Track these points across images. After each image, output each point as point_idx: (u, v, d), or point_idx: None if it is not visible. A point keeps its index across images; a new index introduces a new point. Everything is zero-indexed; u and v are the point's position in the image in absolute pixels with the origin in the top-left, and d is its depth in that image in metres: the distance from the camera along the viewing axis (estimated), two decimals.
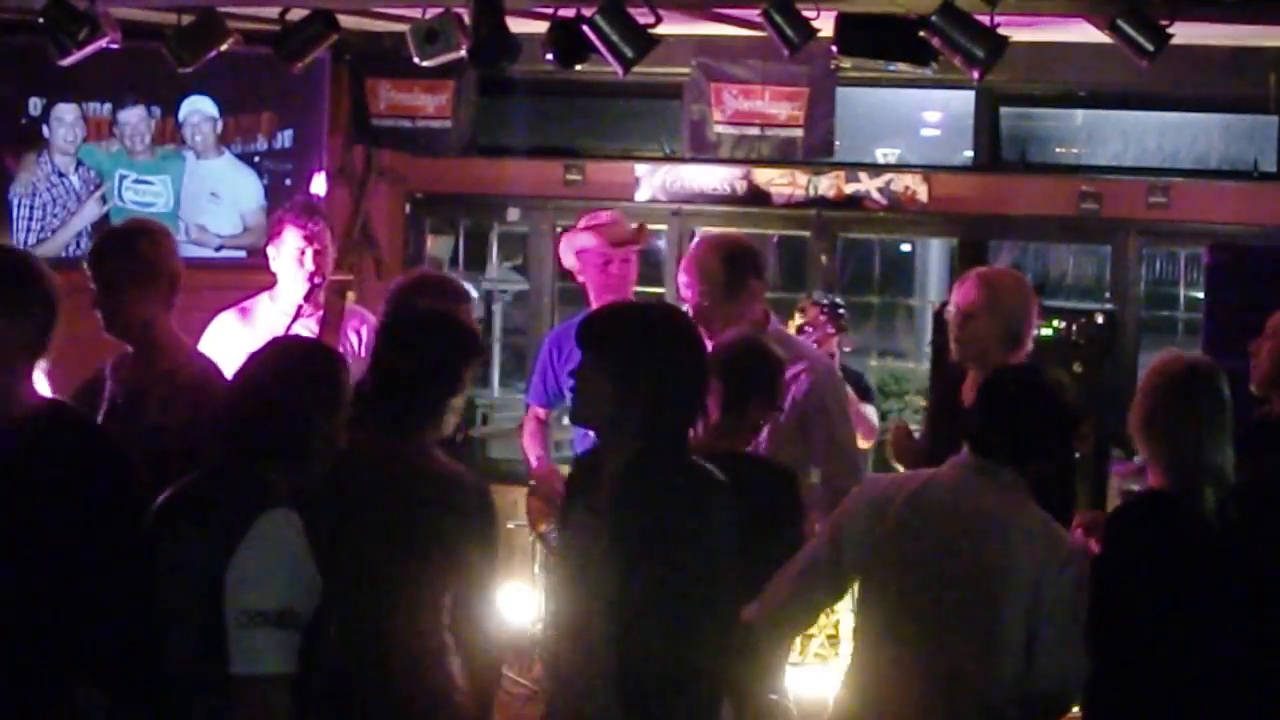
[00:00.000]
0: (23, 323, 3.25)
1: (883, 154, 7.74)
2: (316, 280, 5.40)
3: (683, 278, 4.90)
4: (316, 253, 5.42)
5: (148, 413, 4.12)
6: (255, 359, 3.34)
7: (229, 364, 5.33)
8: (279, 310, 5.40)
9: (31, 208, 6.92)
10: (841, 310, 6.62)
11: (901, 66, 5.38)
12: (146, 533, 3.19)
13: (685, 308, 4.73)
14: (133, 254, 4.25)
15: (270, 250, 5.49)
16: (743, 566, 3.22)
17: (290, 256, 5.43)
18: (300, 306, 5.33)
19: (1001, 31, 5.01)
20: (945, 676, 3.53)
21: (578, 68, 5.43)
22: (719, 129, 7.11)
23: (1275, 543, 3.72)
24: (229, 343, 5.43)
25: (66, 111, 6.93)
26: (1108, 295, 7.34)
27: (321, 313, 5.36)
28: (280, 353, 3.39)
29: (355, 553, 3.28)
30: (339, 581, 3.10)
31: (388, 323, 4.10)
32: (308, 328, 5.43)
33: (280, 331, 5.25)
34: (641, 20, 5.16)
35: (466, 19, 5.28)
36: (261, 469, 3.12)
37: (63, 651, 3.14)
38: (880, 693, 3.61)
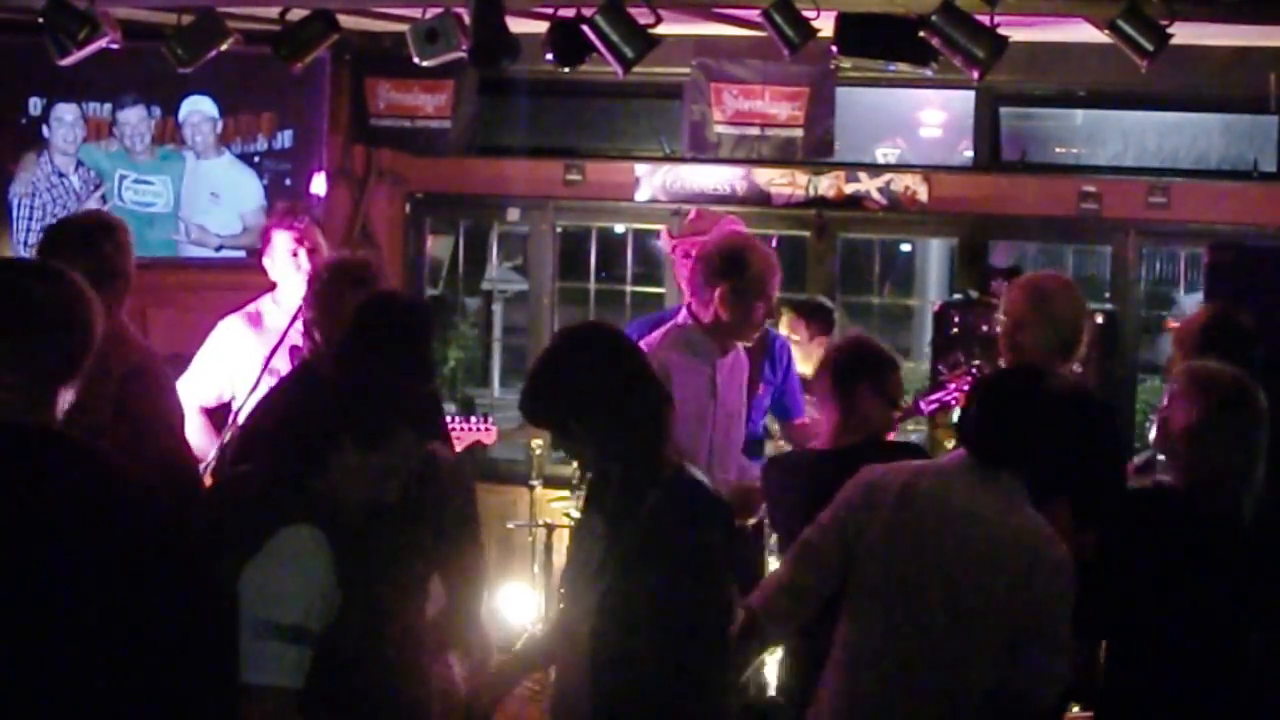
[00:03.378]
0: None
1: (883, 154, 7.74)
2: None
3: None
4: (310, 251, 5.43)
5: (81, 408, 4.09)
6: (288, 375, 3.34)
7: (238, 368, 5.37)
8: (283, 312, 5.40)
9: (31, 208, 6.92)
10: (826, 311, 6.63)
11: (901, 66, 5.39)
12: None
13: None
14: (94, 253, 4.21)
15: (266, 261, 5.51)
16: None
17: (285, 260, 5.44)
18: (300, 308, 5.33)
19: (1001, 31, 5.02)
20: (926, 668, 3.54)
21: (578, 68, 5.43)
22: (719, 129, 7.11)
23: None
24: (237, 347, 5.44)
25: (66, 111, 6.94)
26: (1108, 295, 7.34)
27: None
28: (309, 372, 3.38)
29: (370, 556, 3.26)
30: (357, 588, 3.09)
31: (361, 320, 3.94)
32: None
33: (281, 334, 5.27)
34: (641, 20, 5.17)
35: (466, 19, 5.28)
36: (276, 486, 3.10)
37: None
38: (864, 683, 3.61)
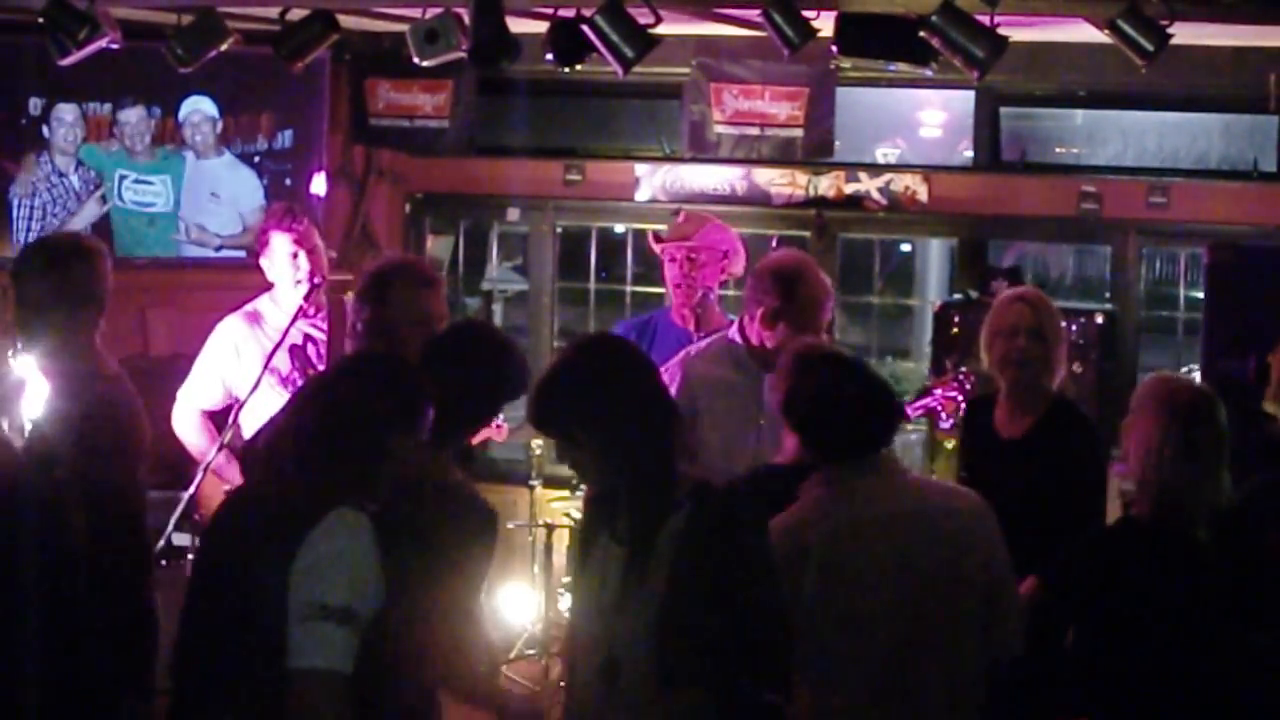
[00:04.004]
0: None
1: (883, 154, 7.74)
2: (316, 280, 5.41)
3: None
4: (309, 252, 5.43)
5: (44, 435, 4.06)
6: (331, 375, 3.27)
7: (239, 369, 5.37)
8: (283, 312, 5.40)
9: (31, 208, 6.92)
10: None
11: (901, 66, 5.39)
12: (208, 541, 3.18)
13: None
14: (64, 276, 4.18)
15: (264, 262, 5.51)
16: None
17: (284, 263, 5.44)
18: (301, 308, 5.34)
19: (1001, 31, 5.01)
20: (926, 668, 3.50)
21: (578, 68, 5.43)
22: (719, 129, 7.11)
23: (1259, 565, 3.70)
24: (237, 348, 5.44)
25: (66, 111, 6.93)
26: (1108, 295, 7.34)
27: (325, 313, 5.38)
28: (359, 368, 3.30)
29: (401, 559, 3.23)
30: (395, 585, 3.05)
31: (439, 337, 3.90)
32: (313, 328, 5.44)
33: (282, 333, 5.27)
34: (641, 20, 5.16)
35: (466, 19, 5.28)
36: (327, 492, 3.03)
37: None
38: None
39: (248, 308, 5.56)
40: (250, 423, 5.16)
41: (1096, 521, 4.27)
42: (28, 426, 4.26)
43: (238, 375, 5.38)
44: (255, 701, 2.94)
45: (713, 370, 4.71)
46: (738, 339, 4.90)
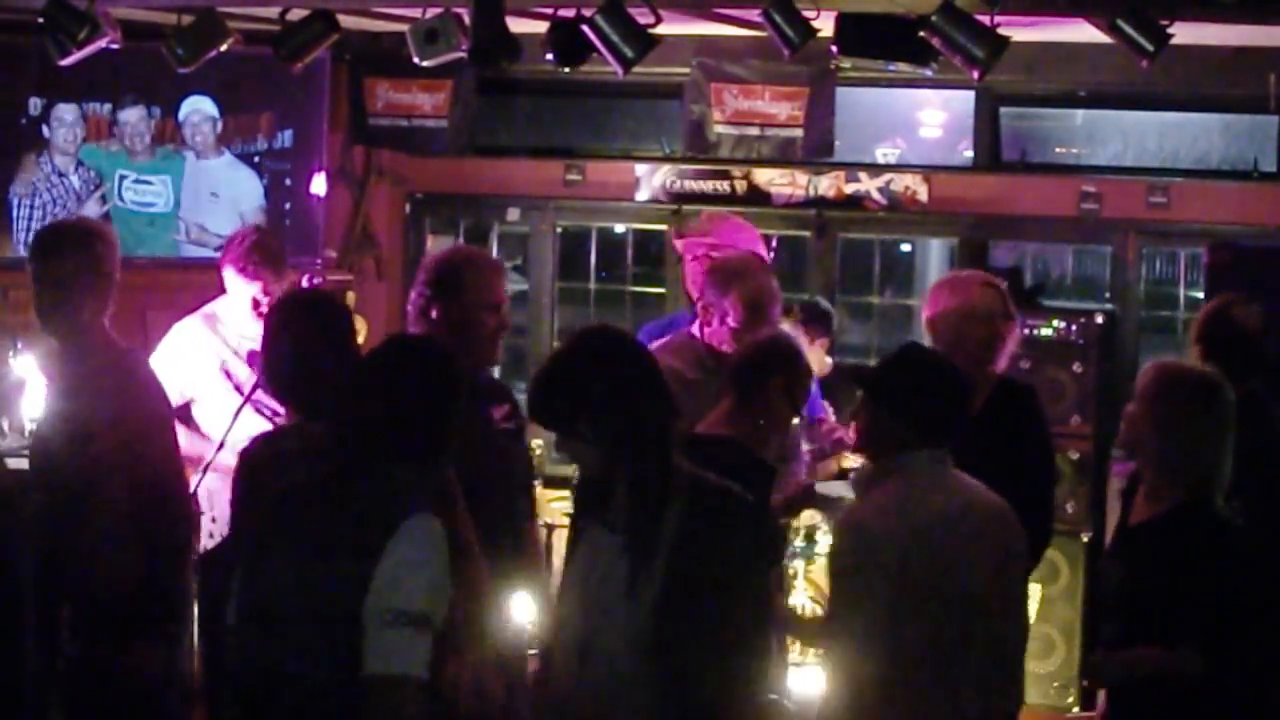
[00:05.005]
0: None
1: (883, 154, 7.73)
2: (316, 281, 5.41)
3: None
4: (273, 297, 5.29)
5: (73, 414, 4.09)
6: (383, 357, 3.28)
7: (195, 370, 5.34)
8: (241, 314, 5.37)
9: (31, 208, 6.92)
10: (826, 314, 6.60)
11: (901, 66, 5.38)
12: (261, 530, 3.17)
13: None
14: (89, 254, 4.22)
15: (223, 276, 5.43)
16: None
17: (244, 306, 5.37)
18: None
19: (1001, 31, 5.02)
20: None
21: (578, 67, 5.43)
22: (719, 129, 7.11)
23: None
24: (193, 349, 5.40)
25: (66, 111, 6.93)
26: (1108, 295, 7.34)
27: None
28: (412, 352, 3.31)
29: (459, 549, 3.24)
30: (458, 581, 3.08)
31: None
32: None
33: (251, 335, 5.25)
34: (641, 20, 5.16)
35: (466, 19, 5.28)
36: (398, 470, 3.07)
37: None
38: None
39: (206, 309, 5.51)
40: (207, 426, 5.17)
41: (1047, 493, 4.53)
42: (28, 426, 4.29)
43: (194, 377, 5.34)
44: (332, 702, 2.95)
45: (673, 364, 4.74)
46: (698, 335, 5.00)
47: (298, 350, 3.78)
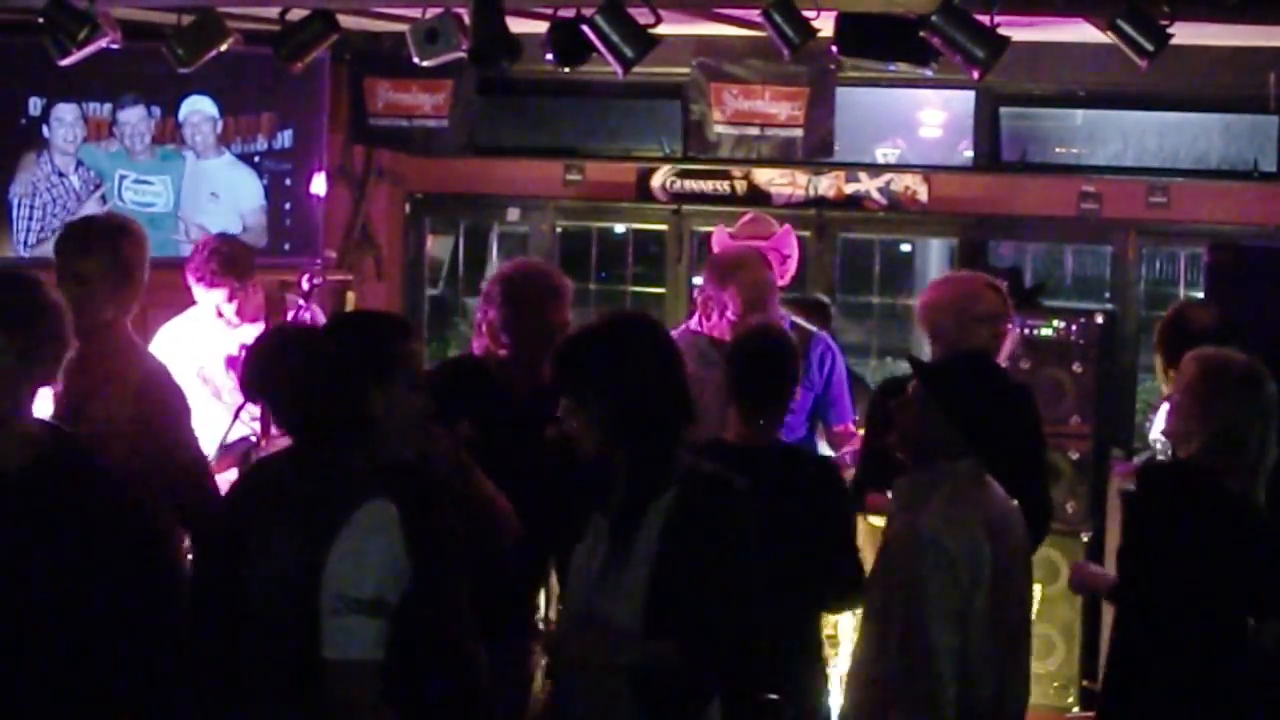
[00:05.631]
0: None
1: (883, 154, 7.73)
2: (316, 282, 5.43)
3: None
4: (240, 303, 5.39)
5: (94, 414, 4.08)
6: (313, 339, 3.38)
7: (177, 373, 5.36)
8: (222, 321, 5.40)
9: (31, 208, 6.92)
10: (823, 307, 6.60)
11: (901, 66, 5.38)
12: (228, 527, 3.24)
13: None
14: (114, 253, 4.20)
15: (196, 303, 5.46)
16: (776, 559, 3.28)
17: (209, 313, 5.42)
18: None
19: (1001, 31, 5.02)
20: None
21: (578, 67, 5.43)
22: (719, 129, 7.11)
23: None
24: (176, 353, 5.41)
25: (66, 111, 6.93)
26: (1108, 295, 7.34)
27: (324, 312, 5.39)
28: (336, 327, 3.41)
29: (439, 535, 3.28)
30: (428, 565, 3.12)
31: None
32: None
33: (224, 341, 5.26)
34: (641, 20, 5.16)
35: (466, 19, 5.28)
36: (340, 454, 3.14)
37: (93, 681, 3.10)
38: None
39: (189, 312, 5.54)
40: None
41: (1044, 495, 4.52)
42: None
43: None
44: (289, 688, 3.05)
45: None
46: (701, 330, 5.05)
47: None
